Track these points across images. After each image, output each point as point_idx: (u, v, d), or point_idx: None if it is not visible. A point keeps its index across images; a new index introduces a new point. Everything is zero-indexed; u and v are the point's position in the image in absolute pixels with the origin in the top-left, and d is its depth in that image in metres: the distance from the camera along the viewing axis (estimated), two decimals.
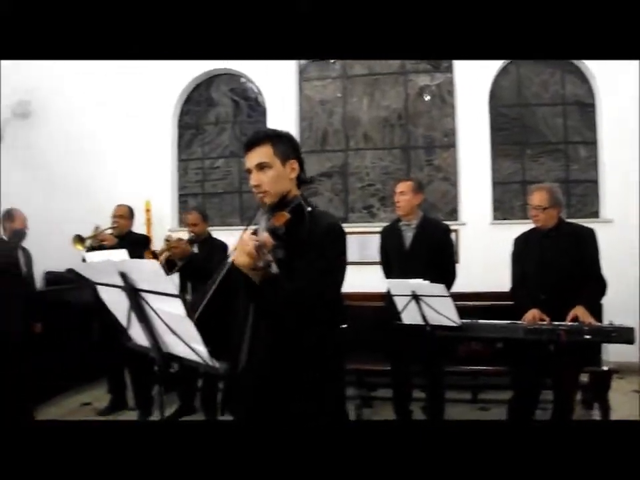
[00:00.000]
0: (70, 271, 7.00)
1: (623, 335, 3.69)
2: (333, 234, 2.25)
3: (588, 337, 3.68)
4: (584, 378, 5.25)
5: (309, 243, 2.17)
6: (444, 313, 3.97)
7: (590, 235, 4.12)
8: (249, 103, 8.37)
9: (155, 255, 5.48)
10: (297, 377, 2.21)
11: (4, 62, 6.23)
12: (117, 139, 8.19)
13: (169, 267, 5.49)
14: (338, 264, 2.27)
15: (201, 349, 1.88)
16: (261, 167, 2.28)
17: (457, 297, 4.98)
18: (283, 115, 8.06)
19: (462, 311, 4.20)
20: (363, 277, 5.18)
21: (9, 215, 5.40)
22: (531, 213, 4.21)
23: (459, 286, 4.96)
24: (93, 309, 5.80)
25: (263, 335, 2.23)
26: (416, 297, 4.01)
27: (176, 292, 1.82)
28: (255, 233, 2.18)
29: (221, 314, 2.34)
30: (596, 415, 5.40)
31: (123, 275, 1.92)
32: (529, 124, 7.65)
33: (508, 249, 4.67)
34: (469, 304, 6.03)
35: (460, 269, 5.22)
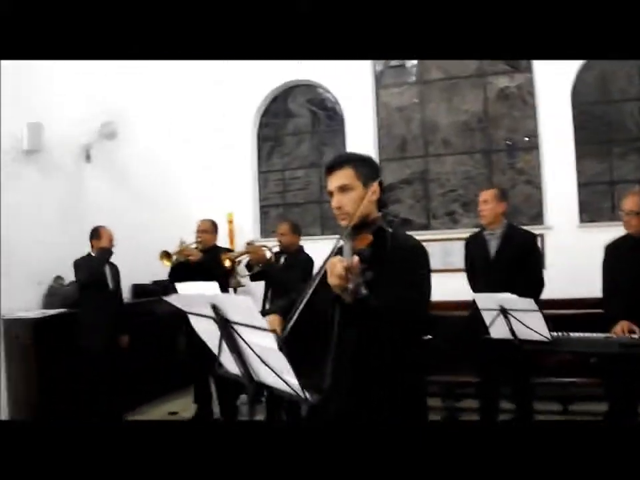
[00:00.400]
0: (156, 283, 7.21)
1: None
2: (416, 253, 2.28)
3: None
4: None
5: (393, 262, 2.17)
6: (533, 327, 3.84)
7: None
8: (327, 113, 8.41)
9: (230, 257, 5.59)
10: (381, 395, 2.21)
11: (88, 85, 6.48)
12: (199, 154, 8.39)
13: (247, 270, 5.62)
14: (423, 280, 2.26)
15: (293, 381, 1.87)
16: (343, 189, 2.30)
17: (545, 304, 4.88)
18: (360, 123, 8.07)
19: (552, 320, 4.08)
20: (446, 285, 5.11)
21: (96, 232, 5.59)
22: (623, 219, 4.03)
23: (546, 292, 4.84)
24: (178, 320, 5.98)
25: (347, 356, 2.23)
26: (504, 311, 3.92)
27: (268, 327, 1.83)
28: (341, 252, 2.15)
29: (305, 333, 2.36)
30: None
31: (215, 307, 1.94)
32: (615, 121, 7.36)
33: (597, 252, 4.52)
34: (558, 312, 5.89)
35: (547, 274, 5.10)
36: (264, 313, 2.36)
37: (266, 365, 1.91)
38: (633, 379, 3.92)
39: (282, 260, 5.66)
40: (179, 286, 2.21)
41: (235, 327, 1.94)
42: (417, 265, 2.25)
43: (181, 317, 5.63)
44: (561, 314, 5.92)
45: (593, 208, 7.41)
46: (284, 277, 5.47)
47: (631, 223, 3.97)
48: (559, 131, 7.36)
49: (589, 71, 7.42)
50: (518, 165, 7.73)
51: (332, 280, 1.96)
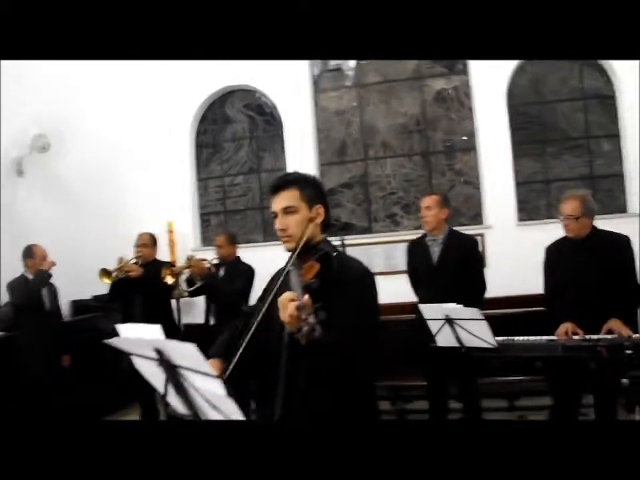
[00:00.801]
0: (96, 298, 7.04)
1: None
2: (363, 278, 2.26)
3: (630, 352, 3.59)
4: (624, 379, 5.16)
5: (342, 290, 2.13)
6: (479, 335, 3.88)
7: (626, 243, 4.02)
8: (265, 118, 8.32)
9: (172, 272, 5.52)
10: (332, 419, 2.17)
11: (18, 98, 6.26)
12: (135, 163, 8.18)
13: (188, 285, 5.55)
14: (373, 305, 2.25)
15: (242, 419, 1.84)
16: (287, 211, 2.27)
17: (486, 302, 4.96)
18: (299, 128, 8.02)
19: (494, 319, 4.13)
20: (389, 287, 5.12)
21: (29, 251, 5.43)
22: (563, 223, 4.08)
23: (488, 290, 4.93)
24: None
25: (299, 386, 2.18)
26: (450, 321, 3.95)
27: (215, 373, 1.77)
28: (287, 281, 2.12)
29: (252, 364, 2.31)
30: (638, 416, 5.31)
31: (159, 351, 1.87)
32: (549, 121, 7.53)
33: (536, 249, 4.59)
34: (500, 312, 5.98)
35: (488, 272, 5.17)
36: (207, 355, 2.30)
37: (215, 409, 1.85)
38: (576, 380, 3.99)
39: (221, 272, 5.63)
40: (121, 328, 2.13)
41: (181, 371, 1.87)
42: (366, 291, 2.23)
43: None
44: (503, 313, 6.03)
45: (530, 206, 7.57)
46: (226, 289, 5.44)
47: (570, 227, 4.02)
48: (496, 132, 7.47)
49: (522, 73, 7.57)
50: (456, 166, 7.82)
51: (284, 318, 1.93)
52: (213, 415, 1.88)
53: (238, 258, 5.71)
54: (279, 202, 2.30)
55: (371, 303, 2.23)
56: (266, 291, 2.48)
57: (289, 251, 2.27)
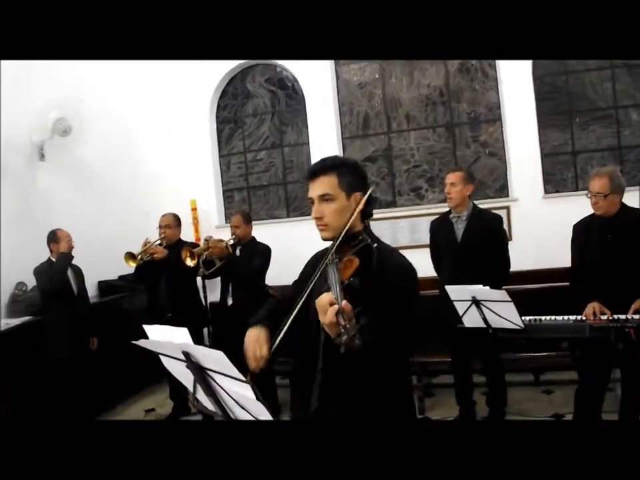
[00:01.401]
0: (122, 278, 7.09)
1: None
2: (405, 276, 2.17)
3: None
4: None
5: (382, 287, 2.06)
6: (506, 316, 3.86)
7: None
8: (287, 92, 8.22)
9: (192, 254, 5.54)
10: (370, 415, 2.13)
11: (38, 82, 6.26)
12: (158, 142, 8.19)
13: (206, 267, 5.54)
14: (413, 305, 2.16)
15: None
16: (324, 198, 2.19)
17: (512, 276, 4.94)
18: (321, 102, 7.93)
19: (519, 295, 4.08)
20: (414, 261, 5.13)
21: (54, 236, 5.45)
22: (591, 201, 4.00)
23: (513, 264, 4.93)
24: (148, 317, 5.92)
25: (335, 381, 2.15)
26: (477, 302, 3.92)
27: (244, 378, 1.76)
28: (325, 275, 2.02)
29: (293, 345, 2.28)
30: None
31: (187, 354, 1.87)
32: (576, 91, 7.33)
33: (562, 223, 4.59)
34: (526, 287, 5.94)
35: (514, 246, 5.14)
36: (249, 323, 2.28)
37: (244, 409, 1.86)
38: (603, 361, 3.95)
39: (238, 252, 5.63)
40: (149, 329, 2.13)
41: (210, 373, 1.87)
42: (406, 288, 2.13)
43: (150, 315, 5.65)
44: (529, 288, 5.99)
45: (556, 179, 7.43)
46: (246, 268, 5.45)
47: (599, 205, 3.95)
48: (521, 103, 7.31)
49: None
50: (481, 138, 7.68)
51: (324, 322, 1.86)
52: (243, 415, 1.88)
53: (254, 238, 5.72)
54: (316, 188, 2.20)
55: (410, 300, 2.14)
56: (302, 279, 2.43)
57: (325, 240, 2.21)
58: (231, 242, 5.61)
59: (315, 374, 2.22)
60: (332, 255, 2.05)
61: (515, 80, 7.30)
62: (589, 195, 4.00)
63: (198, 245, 6.11)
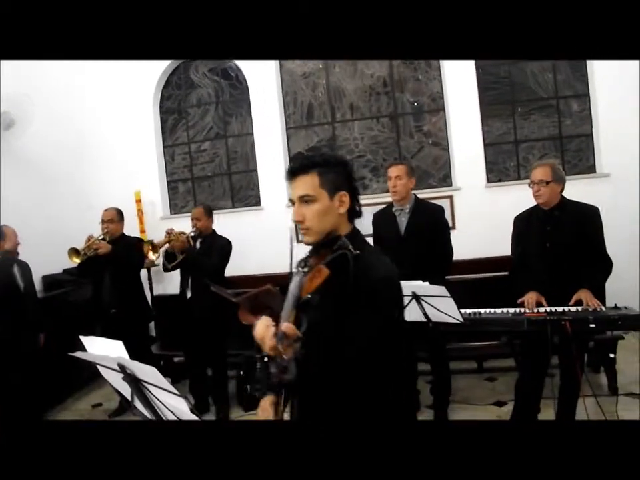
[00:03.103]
0: (67, 271, 6.98)
1: (630, 322, 3.63)
2: (387, 289, 1.97)
3: (593, 325, 3.61)
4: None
5: (355, 297, 1.89)
6: (445, 311, 3.90)
7: (595, 213, 4.01)
8: (230, 82, 8.12)
9: (153, 246, 5.48)
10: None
11: None
12: (100, 133, 8.02)
13: (168, 260, 5.50)
14: (394, 323, 1.98)
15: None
16: (304, 199, 2.04)
17: (455, 265, 4.99)
18: (265, 92, 7.87)
19: (462, 285, 4.09)
20: None
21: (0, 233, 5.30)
22: (533, 189, 4.05)
23: (456, 253, 4.95)
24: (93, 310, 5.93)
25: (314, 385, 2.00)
26: (417, 297, 3.95)
27: (177, 392, 1.74)
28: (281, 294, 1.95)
29: None
30: (603, 378, 5.40)
31: (122, 367, 1.86)
32: (518, 81, 7.44)
33: (505, 211, 4.66)
34: (468, 277, 6.02)
35: (457, 235, 5.19)
36: None
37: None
38: (540, 353, 4.02)
39: (197, 245, 5.59)
40: (85, 341, 2.09)
41: (145, 385, 1.86)
42: (386, 306, 1.95)
43: (94, 308, 5.59)
44: (471, 278, 6.07)
45: (499, 168, 7.53)
46: (206, 262, 5.41)
47: (541, 192, 3.99)
48: (464, 92, 7.39)
49: None
50: (425, 128, 7.73)
51: (264, 350, 1.79)
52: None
53: (214, 231, 5.68)
54: (295, 189, 2.06)
55: (388, 315, 1.95)
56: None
57: (308, 244, 2.09)
58: (192, 234, 5.56)
59: None
60: (302, 262, 1.97)
61: (458, 70, 7.35)
62: (530, 185, 4.05)
63: (141, 240, 6.05)
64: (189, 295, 5.60)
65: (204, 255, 5.47)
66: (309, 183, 2.04)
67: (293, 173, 2.08)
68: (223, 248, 5.51)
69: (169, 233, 5.53)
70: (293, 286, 1.84)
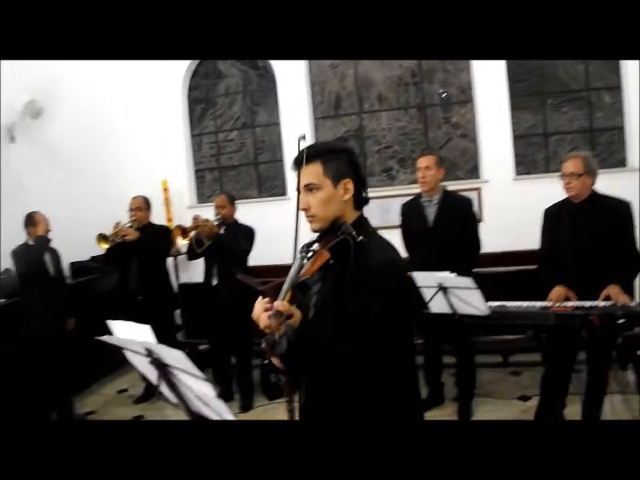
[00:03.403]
0: (94, 259, 7.05)
1: None
2: (387, 274, 1.94)
3: (621, 320, 3.55)
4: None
5: (355, 282, 1.91)
6: (471, 303, 3.87)
7: (626, 208, 3.94)
8: (258, 72, 8.12)
9: (184, 230, 5.52)
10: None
11: (6, 65, 6.12)
12: (129, 123, 8.07)
13: (197, 245, 5.52)
14: (396, 312, 1.95)
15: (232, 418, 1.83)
16: (309, 188, 2.08)
17: (482, 258, 4.95)
18: (293, 82, 7.86)
19: (489, 278, 4.04)
20: None
21: (31, 219, 5.40)
22: (564, 182, 3.99)
23: (484, 245, 4.95)
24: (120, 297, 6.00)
25: (321, 378, 2.04)
26: (443, 289, 3.93)
27: (204, 376, 1.74)
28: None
29: None
30: (631, 376, 5.33)
31: (149, 351, 1.86)
32: (548, 72, 7.32)
33: (533, 204, 4.62)
34: (495, 270, 5.96)
35: (484, 228, 5.15)
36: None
37: (205, 405, 1.85)
38: (568, 348, 3.98)
39: (222, 232, 5.61)
40: (113, 325, 2.11)
41: (172, 369, 1.86)
42: (388, 292, 1.91)
43: (120, 294, 5.66)
44: (499, 271, 6.02)
45: (527, 160, 7.44)
46: (237, 246, 5.44)
47: (572, 185, 3.93)
48: (493, 84, 7.30)
49: None
50: (453, 119, 7.67)
51: (260, 327, 1.81)
52: (204, 410, 1.88)
53: (236, 219, 5.72)
54: (302, 178, 2.09)
55: (391, 303, 1.91)
56: None
57: (314, 231, 2.11)
58: (216, 222, 5.58)
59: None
60: (305, 246, 2.00)
61: (487, 61, 7.25)
62: (561, 177, 3.99)
63: (168, 229, 6.09)
64: (214, 282, 5.63)
65: (232, 242, 5.50)
66: (312, 171, 2.08)
67: (298, 162, 2.11)
68: (247, 233, 5.54)
69: (196, 219, 5.56)
70: (293, 268, 1.89)
